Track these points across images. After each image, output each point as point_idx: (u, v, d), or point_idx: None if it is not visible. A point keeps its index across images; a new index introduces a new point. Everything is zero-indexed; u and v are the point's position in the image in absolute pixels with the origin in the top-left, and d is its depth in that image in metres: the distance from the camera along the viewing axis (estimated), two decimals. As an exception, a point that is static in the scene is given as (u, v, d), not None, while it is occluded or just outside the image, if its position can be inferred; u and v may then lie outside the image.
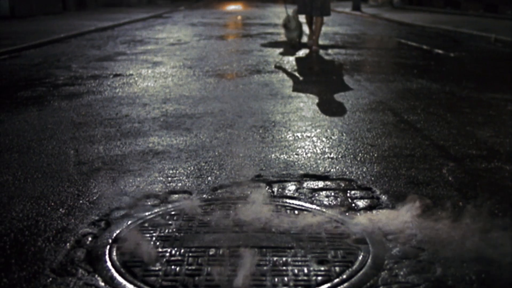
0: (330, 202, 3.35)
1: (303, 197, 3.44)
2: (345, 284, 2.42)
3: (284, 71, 8.56)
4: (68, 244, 2.81)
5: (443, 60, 10.12)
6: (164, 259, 2.63)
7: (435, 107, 5.96)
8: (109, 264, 2.61)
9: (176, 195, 3.47)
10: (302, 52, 10.85)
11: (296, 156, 4.24)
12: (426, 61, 9.84)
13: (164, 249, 2.73)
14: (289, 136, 4.80)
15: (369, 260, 2.63)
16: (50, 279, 2.47)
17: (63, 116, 5.60)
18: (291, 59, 9.97)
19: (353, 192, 3.53)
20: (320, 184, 3.66)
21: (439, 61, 9.97)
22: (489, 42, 13.07)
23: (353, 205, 3.31)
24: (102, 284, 2.44)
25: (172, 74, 8.21)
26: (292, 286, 2.39)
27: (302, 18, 11.47)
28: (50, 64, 9.31)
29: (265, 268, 2.54)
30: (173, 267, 2.56)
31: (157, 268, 2.55)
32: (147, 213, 3.17)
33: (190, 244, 2.78)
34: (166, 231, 2.93)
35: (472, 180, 3.72)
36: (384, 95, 6.67)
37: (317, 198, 3.42)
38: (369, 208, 3.26)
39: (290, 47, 11.60)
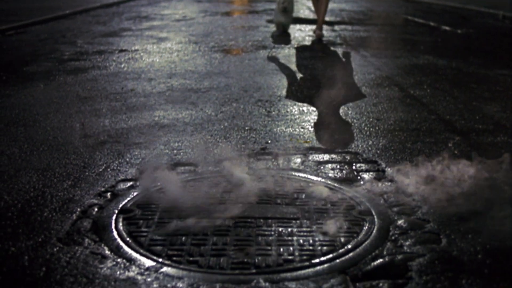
0: (336, 175, 3.35)
1: (308, 169, 3.44)
2: (350, 254, 2.43)
3: (290, 46, 8.52)
4: (74, 214, 2.82)
5: (450, 36, 10.06)
6: (170, 229, 2.64)
7: (442, 83, 5.94)
8: (115, 233, 2.62)
9: (182, 167, 3.48)
10: (308, 29, 10.77)
11: (302, 129, 4.23)
12: (433, 38, 9.78)
13: (170, 220, 2.74)
14: (295, 110, 4.79)
15: (374, 231, 2.64)
16: (57, 248, 2.48)
17: (69, 90, 5.60)
18: (297, 35, 9.91)
19: (358, 165, 3.53)
20: (326, 157, 3.66)
21: (446, 37, 9.91)
22: (497, 19, 12.96)
23: (359, 177, 3.31)
24: (108, 253, 2.45)
25: (178, 50, 8.18)
26: (297, 256, 2.40)
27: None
28: (55, 39, 9.28)
29: (270, 238, 2.55)
30: (178, 237, 2.57)
31: (162, 238, 2.56)
32: (153, 185, 3.18)
33: (195, 215, 2.78)
34: (172, 202, 2.94)
35: (478, 154, 3.70)
36: (391, 70, 6.64)
37: (322, 170, 3.42)
38: (374, 180, 3.25)
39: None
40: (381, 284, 2.19)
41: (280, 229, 2.63)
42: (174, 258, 2.39)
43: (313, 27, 10.55)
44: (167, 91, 5.50)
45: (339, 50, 8.32)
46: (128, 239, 2.57)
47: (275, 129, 4.23)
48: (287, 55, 7.76)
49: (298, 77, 6.22)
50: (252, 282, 2.20)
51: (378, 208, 2.88)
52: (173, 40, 9.21)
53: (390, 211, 2.85)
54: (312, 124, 4.37)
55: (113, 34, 9.98)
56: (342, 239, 2.55)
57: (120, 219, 2.76)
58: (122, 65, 6.94)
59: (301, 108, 4.85)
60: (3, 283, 2.21)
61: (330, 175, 3.35)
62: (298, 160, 3.59)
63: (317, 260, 2.37)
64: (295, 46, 8.62)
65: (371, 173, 3.39)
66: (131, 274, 2.28)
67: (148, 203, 2.93)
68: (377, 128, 4.28)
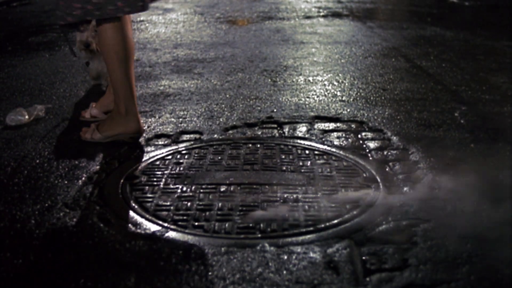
0: (341, 143, 3.34)
1: (314, 137, 3.43)
2: (355, 220, 2.44)
3: (296, 17, 8.46)
4: (80, 181, 2.83)
5: (458, 8, 9.97)
6: (176, 195, 2.65)
7: (449, 54, 5.89)
8: (121, 199, 2.63)
9: (187, 135, 3.48)
10: (314, 0, 10.69)
11: (307, 99, 4.22)
12: (440, 10, 9.68)
13: (176, 186, 2.75)
14: (301, 80, 4.77)
15: (379, 198, 2.64)
16: (63, 212, 2.50)
17: (74, 60, 5.58)
18: (303, 6, 9.84)
19: (364, 133, 3.52)
20: (331, 125, 3.65)
21: (454, 9, 9.82)
22: (505, -10, 12.82)
23: (364, 145, 3.31)
24: (114, 217, 2.46)
25: (183, 21, 8.14)
26: (302, 221, 2.41)
27: None
28: (60, 10, 9.23)
29: (275, 204, 2.56)
30: (184, 202, 2.58)
31: (168, 204, 2.57)
32: (158, 152, 3.19)
33: (201, 181, 2.80)
34: (177, 169, 2.95)
35: (484, 123, 3.69)
36: (397, 41, 6.59)
37: (328, 139, 3.41)
38: (380, 148, 3.25)
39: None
40: (385, 249, 2.19)
41: (286, 195, 2.64)
42: (180, 223, 2.40)
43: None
44: (172, 61, 5.49)
45: (345, 22, 8.25)
46: (133, 204, 2.58)
47: (280, 98, 4.22)
48: (293, 26, 7.71)
49: (304, 48, 6.17)
50: (257, 246, 2.21)
51: (384, 176, 2.88)
52: (178, 11, 9.17)
53: (395, 178, 2.85)
54: (318, 94, 4.35)
55: (118, 5, 9.91)
56: (347, 206, 2.56)
57: (126, 185, 2.77)
58: (127, 36, 6.90)
59: (307, 78, 4.83)
60: (11, 246, 2.23)
61: (335, 143, 3.34)
62: (304, 129, 3.58)
63: (322, 226, 2.38)
64: (301, 16, 8.55)
65: (376, 141, 3.38)
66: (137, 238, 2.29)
67: (153, 170, 2.95)
68: (383, 97, 4.26)
